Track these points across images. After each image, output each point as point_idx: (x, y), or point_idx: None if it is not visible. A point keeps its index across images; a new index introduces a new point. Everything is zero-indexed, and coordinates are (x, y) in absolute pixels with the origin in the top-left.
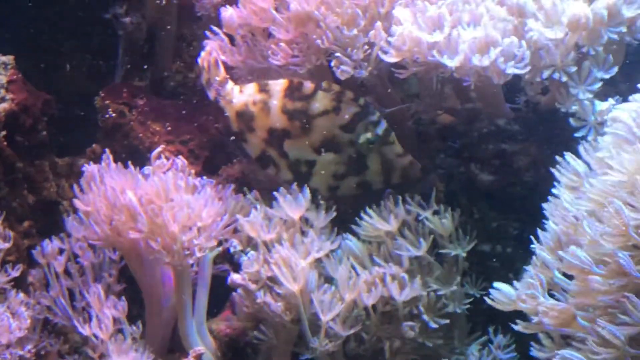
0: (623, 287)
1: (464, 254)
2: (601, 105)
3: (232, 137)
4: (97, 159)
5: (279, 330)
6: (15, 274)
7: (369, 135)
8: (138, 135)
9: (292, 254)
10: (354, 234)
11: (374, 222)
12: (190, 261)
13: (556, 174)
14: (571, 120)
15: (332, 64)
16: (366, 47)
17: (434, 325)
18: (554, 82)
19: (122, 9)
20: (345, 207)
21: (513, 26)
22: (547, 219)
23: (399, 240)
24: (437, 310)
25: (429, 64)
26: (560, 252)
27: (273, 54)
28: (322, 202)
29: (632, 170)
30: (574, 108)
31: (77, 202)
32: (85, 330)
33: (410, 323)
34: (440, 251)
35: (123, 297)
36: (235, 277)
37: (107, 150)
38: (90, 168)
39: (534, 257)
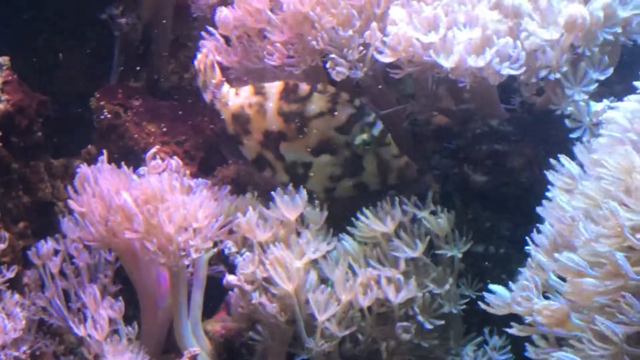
0: (619, 289)
1: (460, 255)
2: (596, 106)
3: (223, 145)
4: (92, 160)
5: (274, 331)
6: (11, 275)
7: (364, 136)
8: (133, 136)
9: (287, 255)
10: (351, 235)
11: (369, 223)
12: (186, 262)
13: (550, 177)
14: (566, 121)
15: (328, 65)
16: (361, 48)
17: (429, 327)
18: (549, 83)
19: (118, 9)
20: (342, 209)
21: (508, 27)
22: (541, 220)
23: (395, 242)
24: (433, 311)
25: (425, 64)
26: (556, 255)
27: (269, 54)
28: (317, 202)
29: (626, 170)
30: (570, 109)
31: (72, 203)
32: (81, 331)
33: (404, 324)
34: (437, 252)
35: (120, 298)
36: (230, 278)
37: (104, 152)
38: (83, 169)
39: (529, 259)
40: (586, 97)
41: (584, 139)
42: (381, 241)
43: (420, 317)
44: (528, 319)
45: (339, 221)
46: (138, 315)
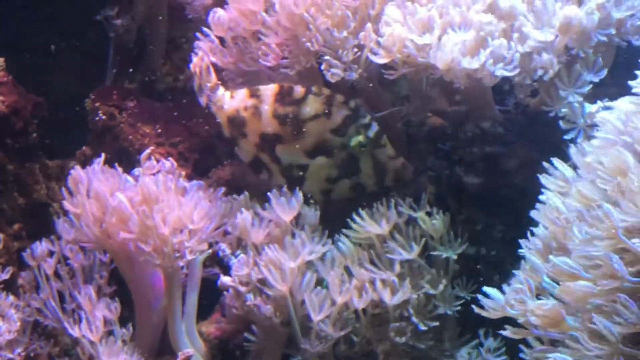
0: (614, 290)
1: (455, 256)
2: (590, 108)
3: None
4: (87, 162)
5: (269, 333)
6: (5, 276)
7: (360, 138)
8: (128, 137)
9: (282, 256)
10: (346, 236)
11: (365, 225)
12: (181, 264)
13: (543, 180)
14: (561, 122)
15: (322, 67)
16: (356, 49)
17: (423, 328)
18: (543, 84)
19: (113, 11)
20: (339, 210)
21: (502, 29)
22: (535, 222)
23: (390, 244)
24: (428, 313)
25: (419, 66)
26: (550, 257)
27: (264, 55)
28: (312, 203)
29: (620, 171)
30: (564, 110)
31: (66, 204)
32: (76, 332)
33: (398, 324)
34: (432, 253)
35: (116, 299)
36: (225, 280)
37: (102, 154)
38: (76, 171)
39: (522, 262)
40: (580, 98)
41: (578, 140)
42: (376, 243)
43: (415, 319)
44: (522, 320)
45: (335, 223)
46: (132, 317)
